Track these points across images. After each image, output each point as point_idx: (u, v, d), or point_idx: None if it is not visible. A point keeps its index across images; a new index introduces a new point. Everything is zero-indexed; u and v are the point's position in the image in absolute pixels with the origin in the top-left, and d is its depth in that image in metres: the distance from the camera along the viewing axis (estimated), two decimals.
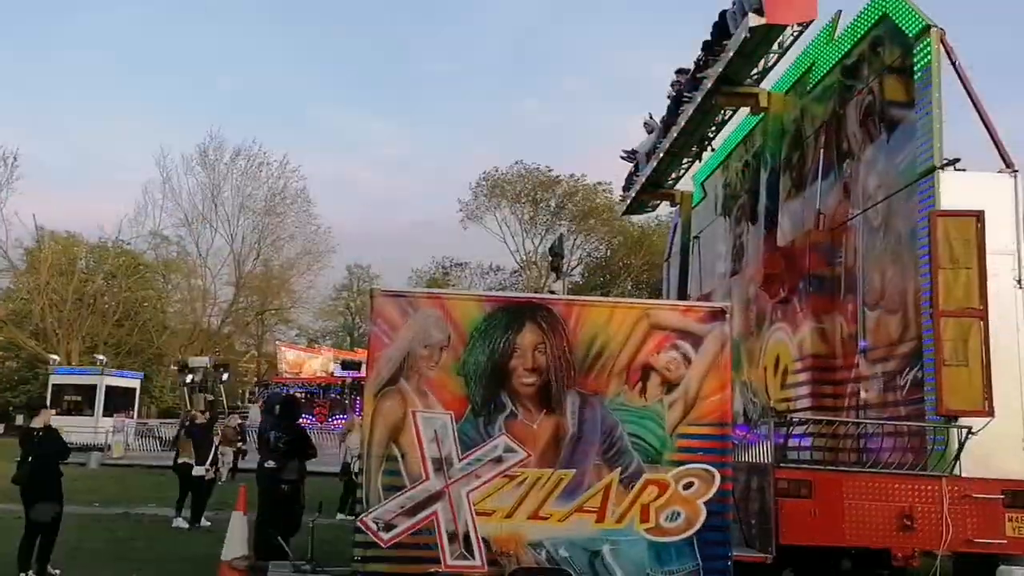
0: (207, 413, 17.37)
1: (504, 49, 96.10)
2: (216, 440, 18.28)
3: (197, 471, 14.22)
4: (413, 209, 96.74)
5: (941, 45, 9.27)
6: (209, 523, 13.80)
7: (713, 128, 14.45)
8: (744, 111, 13.49)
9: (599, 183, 53.16)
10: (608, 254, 55.69)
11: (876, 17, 10.60)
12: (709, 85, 12.14)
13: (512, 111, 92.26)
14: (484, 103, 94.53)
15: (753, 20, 10.46)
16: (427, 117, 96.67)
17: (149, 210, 50.80)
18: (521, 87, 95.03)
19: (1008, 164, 9.21)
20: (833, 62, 11.84)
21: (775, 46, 11.39)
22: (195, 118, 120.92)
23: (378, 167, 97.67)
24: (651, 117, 15.68)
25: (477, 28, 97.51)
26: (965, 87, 9.38)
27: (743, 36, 10.80)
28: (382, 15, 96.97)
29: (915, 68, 9.55)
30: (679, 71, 13.50)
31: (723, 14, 11.66)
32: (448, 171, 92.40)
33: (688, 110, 13.12)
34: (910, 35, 9.70)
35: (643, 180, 16.19)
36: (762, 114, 12.72)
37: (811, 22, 10.84)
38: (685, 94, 13.19)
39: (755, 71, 12.04)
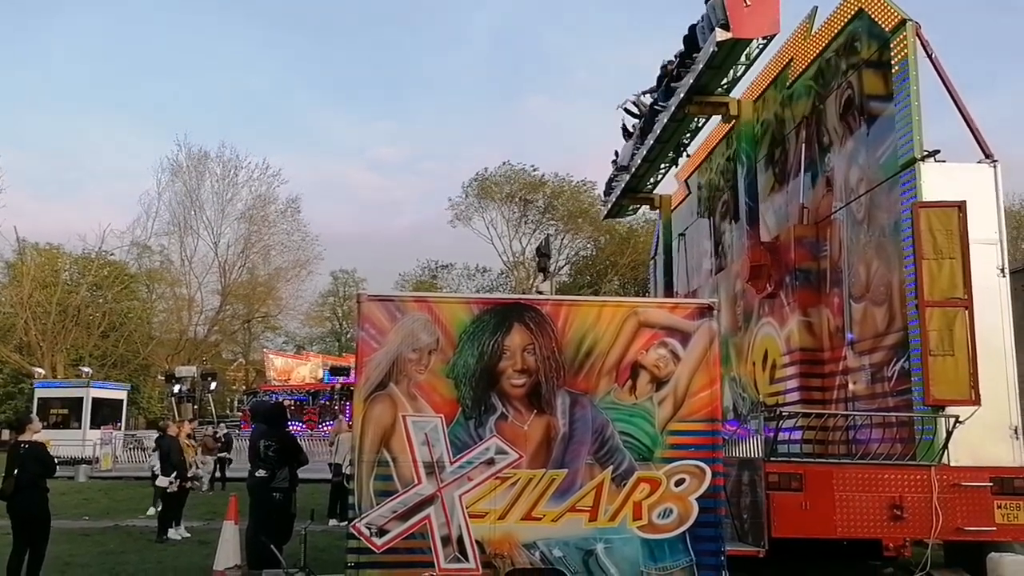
0: (182, 423, 17.39)
1: (499, 48, 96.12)
2: (197, 450, 18.31)
3: (160, 482, 14.18)
4: (405, 213, 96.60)
5: (917, 38, 9.35)
6: (189, 534, 13.70)
7: (688, 135, 14.92)
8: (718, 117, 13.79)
9: (583, 182, 53.25)
10: (595, 253, 55.68)
11: (852, 12, 10.69)
12: (682, 96, 12.52)
13: (509, 110, 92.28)
14: (481, 103, 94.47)
15: (720, 34, 10.94)
16: (421, 119, 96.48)
17: (145, 222, 50.14)
18: (519, 85, 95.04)
19: (987, 154, 9.30)
20: (811, 58, 11.93)
21: (742, 58, 11.89)
22: (186, 126, 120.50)
23: (370, 171, 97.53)
24: (627, 126, 15.94)
25: (468, 27, 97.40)
26: (942, 79, 9.46)
27: (711, 50, 11.28)
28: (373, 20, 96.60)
29: (892, 62, 9.63)
30: (665, 65, 13.68)
31: (692, 28, 12.12)
32: (442, 174, 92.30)
33: (663, 119, 13.50)
34: (886, 29, 9.78)
35: (623, 186, 16.48)
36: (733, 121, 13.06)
37: (775, 36, 11.37)
38: (659, 104, 13.65)
39: (725, 81, 12.49)
